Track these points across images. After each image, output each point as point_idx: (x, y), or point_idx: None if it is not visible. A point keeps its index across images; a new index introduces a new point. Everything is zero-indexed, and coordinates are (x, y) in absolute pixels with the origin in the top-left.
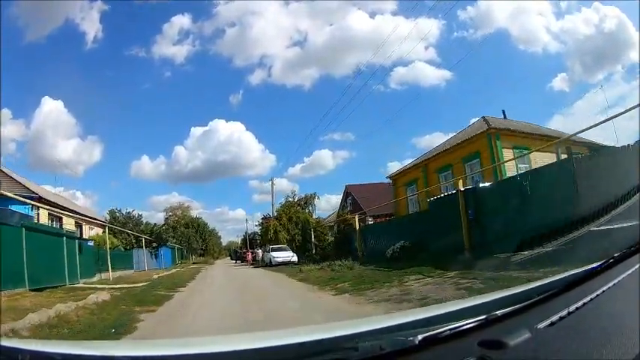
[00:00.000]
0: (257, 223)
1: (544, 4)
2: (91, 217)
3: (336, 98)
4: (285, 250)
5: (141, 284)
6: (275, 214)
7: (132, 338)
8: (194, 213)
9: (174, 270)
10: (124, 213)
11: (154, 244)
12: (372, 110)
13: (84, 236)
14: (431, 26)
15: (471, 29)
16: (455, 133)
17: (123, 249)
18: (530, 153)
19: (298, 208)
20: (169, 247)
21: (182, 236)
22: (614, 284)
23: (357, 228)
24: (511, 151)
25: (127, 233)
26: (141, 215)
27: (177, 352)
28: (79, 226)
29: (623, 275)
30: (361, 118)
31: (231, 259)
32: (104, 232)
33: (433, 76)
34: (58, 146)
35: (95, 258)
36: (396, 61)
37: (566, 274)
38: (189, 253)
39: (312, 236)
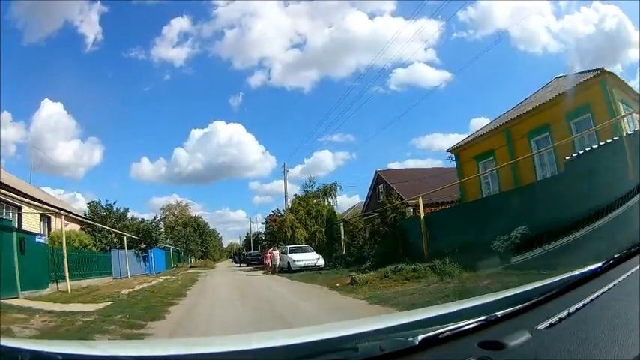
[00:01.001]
0: (263, 222)
1: (544, 4)
2: (58, 208)
3: (336, 100)
4: (306, 250)
5: (94, 307)
6: (288, 207)
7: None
8: (194, 213)
9: (163, 278)
10: (104, 205)
11: (143, 245)
12: (371, 112)
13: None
14: (430, 27)
15: (471, 30)
16: (534, 92)
17: (97, 250)
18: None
19: (317, 200)
20: (164, 248)
21: (179, 236)
22: (614, 285)
23: (422, 216)
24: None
25: (108, 230)
26: (127, 209)
27: (178, 352)
28: (46, 219)
29: (623, 276)
30: (361, 120)
31: (235, 262)
32: (83, 228)
33: (433, 77)
34: (58, 148)
35: (50, 261)
36: (396, 62)
37: (566, 275)
38: (187, 255)
39: (342, 233)
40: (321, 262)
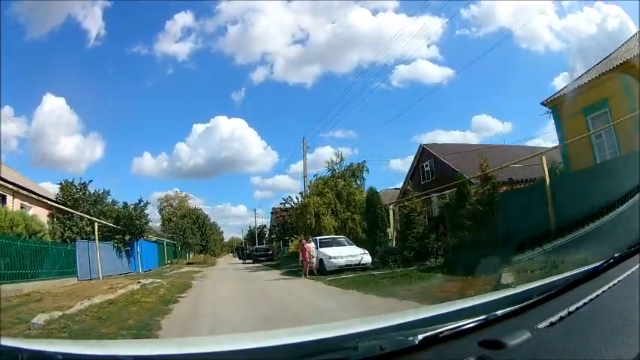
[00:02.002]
0: (272, 211)
1: (547, 3)
2: (13, 184)
3: (339, 95)
4: (342, 243)
5: None
6: (308, 190)
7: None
8: (194, 205)
9: (145, 282)
10: (77, 185)
11: (127, 236)
12: (374, 108)
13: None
14: (434, 24)
15: (474, 27)
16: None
17: (58, 240)
18: None
19: (348, 181)
20: (157, 241)
21: (175, 228)
22: (614, 284)
23: (547, 181)
24: None
25: (80, 217)
26: (107, 192)
27: (178, 351)
28: (1, 198)
29: (623, 275)
30: (363, 116)
31: (239, 258)
32: (52, 214)
33: (435, 74)
34: (60, 143)
35: None
36: (398, 58)
37: (566, 274)
38: (185, 250)
39: (391, 219)
40: (368, 258)
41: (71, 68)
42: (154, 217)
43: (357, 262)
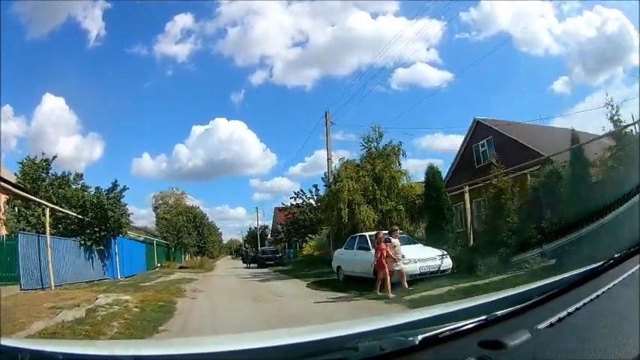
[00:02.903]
0: (292, 196)
1: (546, 7)
2: None
3: (338, 98)
4: (411, 242)
5: None
6: (334, 175)
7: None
8: (191, 204)
9: (108, 299)
10: (37, 163)
11: (99, 232)
12: (373, 111)
13: None
14: (433, 28)
15: (474, 31)
16: None
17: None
18: None
19: (389, 161)
20: (145, 240)
21: (168, 226)
22: (614, 285)
23: None
24: None
25: (39, 204)
26: (80, 176)
27: (178, 351)
28: None
29: (623, 275)
30: (363, 119)
31: (243, 261)
32: (7, 201)
33: (435, 77)
34: (59, 143)
35: None
36: (398, 61)
37: (566, 274)
38: (180, 252)
39: (467, 207)
40: (448, 262)
41: (71, 68)
42: (149, 216)
43: (437, 268)
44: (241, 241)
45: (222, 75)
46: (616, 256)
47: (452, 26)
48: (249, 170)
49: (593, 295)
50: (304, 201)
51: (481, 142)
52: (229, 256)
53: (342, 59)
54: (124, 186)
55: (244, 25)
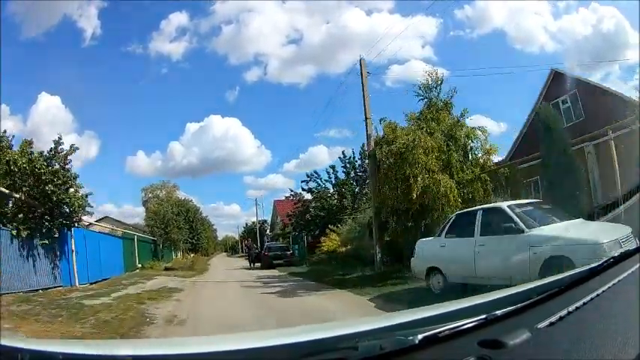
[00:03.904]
0: (305, 179)
1: (542, 4)
2: None
3: (332, 95)
4: (564, 217)
5: None
6: (374, 141)
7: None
8: (184, 197)
9: None
10: None
11: (43, 219)
12: (373, 108)
13: None
14: (427, 25)
15: (468, 28)
16: None
17: None
18: None
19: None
20: (124, 235)
21: (156, 219)
22: (614, 284)
23: None
24: None
25: None
26: (30, 142)
27: (178, 351)
28: None
29: (623, 275)
30: (357, 115)
31: (249, 261)
32: None
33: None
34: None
35: None
36: (392, 58)
37: (566, 273)
38: (170, 248)
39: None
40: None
41: (66, 67)
42: (143, 214)
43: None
44: (238, 237)
45: (216, 73)
46: (616, 255)
47: (446, 23)
48: (243, 167)
49: (593, 295)
50: (319, 185)
51: (562, 98)
52: (224, 253)
53: (336, 56)
54: (74, 146)
55: (239, 23)
